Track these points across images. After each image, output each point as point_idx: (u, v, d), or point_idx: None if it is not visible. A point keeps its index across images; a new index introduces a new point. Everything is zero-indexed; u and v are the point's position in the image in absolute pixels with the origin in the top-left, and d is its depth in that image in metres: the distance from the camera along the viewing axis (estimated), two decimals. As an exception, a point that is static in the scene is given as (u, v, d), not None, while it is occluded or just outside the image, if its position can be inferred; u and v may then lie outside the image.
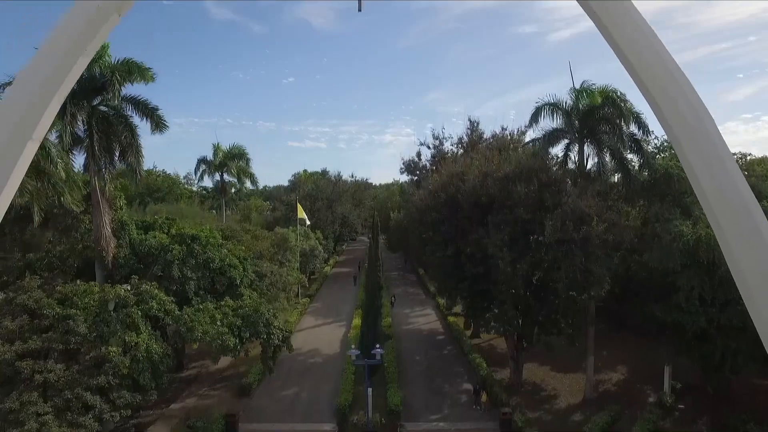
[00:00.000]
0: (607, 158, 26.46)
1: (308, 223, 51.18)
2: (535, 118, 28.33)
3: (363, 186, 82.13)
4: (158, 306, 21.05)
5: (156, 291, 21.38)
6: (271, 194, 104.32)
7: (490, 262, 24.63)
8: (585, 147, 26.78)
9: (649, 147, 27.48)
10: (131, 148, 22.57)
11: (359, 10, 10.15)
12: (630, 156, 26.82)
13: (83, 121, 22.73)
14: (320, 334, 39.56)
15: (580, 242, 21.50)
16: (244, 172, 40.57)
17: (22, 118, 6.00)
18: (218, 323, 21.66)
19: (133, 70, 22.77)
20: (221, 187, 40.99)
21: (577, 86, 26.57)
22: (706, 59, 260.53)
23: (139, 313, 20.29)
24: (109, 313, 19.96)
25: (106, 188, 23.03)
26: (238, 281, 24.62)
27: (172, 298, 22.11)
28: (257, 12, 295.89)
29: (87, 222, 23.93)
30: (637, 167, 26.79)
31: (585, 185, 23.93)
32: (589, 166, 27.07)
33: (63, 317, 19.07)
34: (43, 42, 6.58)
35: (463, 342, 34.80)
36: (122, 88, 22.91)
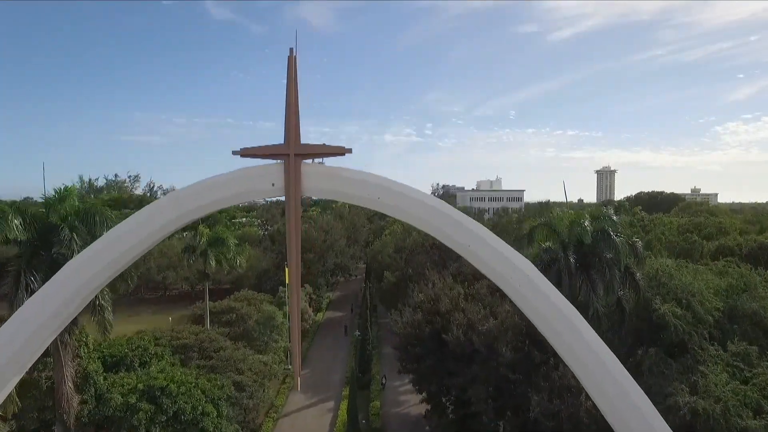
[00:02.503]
0: (601, 293, 25.09)
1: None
2: (530, 237, 27.24)
3: (358, 221, 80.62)
4: (121, 482, 19.95)
5: (119, 464, 20.25)
6: (264, 216, 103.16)
7: (473, 410, 23.49)
8: (578, 278, 25.43)
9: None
10: (93, 306, 21.20)
11: None
12: (625, 289, 25.43)
13: (44, 272, 21.36)
14: (306, 421, 38.54)
15: (568, 415, 20.26)
16: (226, 258, 39.52)
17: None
18: (186, 492, 20.57)
19: (96, 219, 21.31)
20: (204, 273, 39.91)
21: (570, 197, 25.43)
22: (707, 59, 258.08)
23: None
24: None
25: (69, 344, 21.75)
26: (210, 429, 23.47)
27: (138, 465, 21.01)
28: (257, 12, 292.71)
29: (47, 377, 22.72)
30: (632, 304, 25.37)
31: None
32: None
33: None
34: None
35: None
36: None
